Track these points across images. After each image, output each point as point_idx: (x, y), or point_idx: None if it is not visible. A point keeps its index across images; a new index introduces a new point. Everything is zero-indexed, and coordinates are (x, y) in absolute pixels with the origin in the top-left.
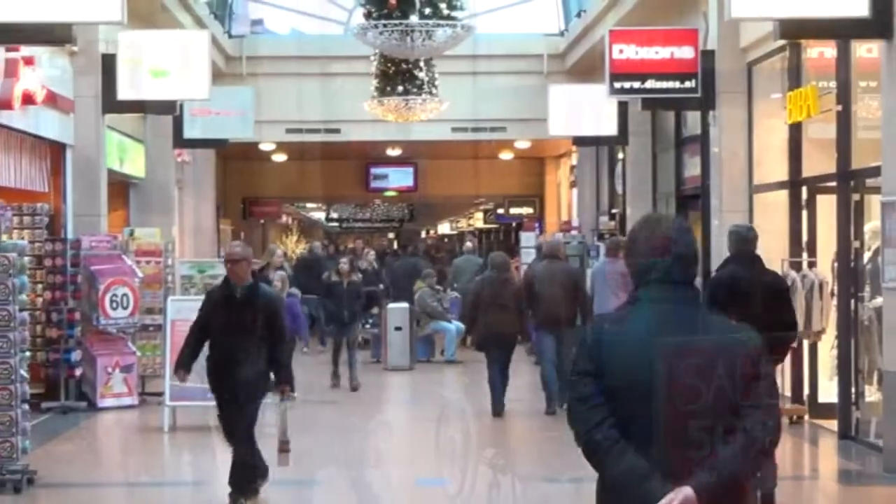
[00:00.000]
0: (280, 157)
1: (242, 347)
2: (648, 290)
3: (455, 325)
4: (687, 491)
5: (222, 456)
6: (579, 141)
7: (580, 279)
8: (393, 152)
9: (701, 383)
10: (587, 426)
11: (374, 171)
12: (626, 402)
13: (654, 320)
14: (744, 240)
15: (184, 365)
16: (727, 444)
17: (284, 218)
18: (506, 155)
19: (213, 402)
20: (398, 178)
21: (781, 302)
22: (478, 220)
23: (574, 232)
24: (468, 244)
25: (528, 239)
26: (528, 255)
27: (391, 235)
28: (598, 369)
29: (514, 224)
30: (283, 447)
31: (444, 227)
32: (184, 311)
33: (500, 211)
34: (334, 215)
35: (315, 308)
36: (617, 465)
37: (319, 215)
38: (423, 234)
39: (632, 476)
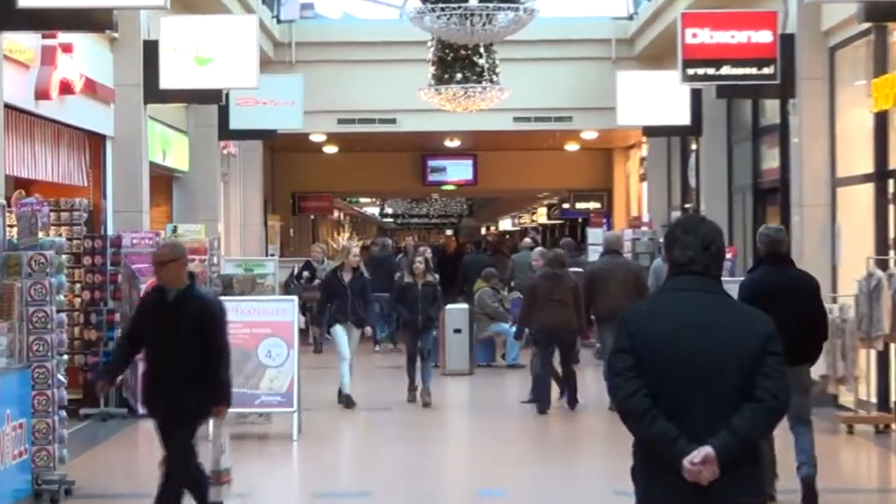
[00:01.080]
0: (331, 149)
1: (174, 359)
2: (680, 279)
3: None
4: (707, 449)
5: (276, 464)
6: (649, 131)
7: (641, 274)
8: (451, 144)
9: (721, 358)
10: (623, 395)
11: (431, 163)
12: (657, 374)
13: (683, 303)
14: (774, 241)
15: (106, 374)
16: (743, 410)
17: (336, 213)
18: (571, 146)
19: (267, 409)
20: (456, 172)
21: (812, 303)
22: (541, 216)
23: (644, 228)
24: (527, 240)
25: (595, 235)
26: (595, 253)
27: (449, 232)
28: (633, 346)
29: (580, 220)
30: (220, 478)
31: (506, 223)
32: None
33: (566, 206)
34: (389, 210)
35: (386, 308)
36: (649, 428)
37: (373, 210)
38: (483, 231)
39: (662, 438)
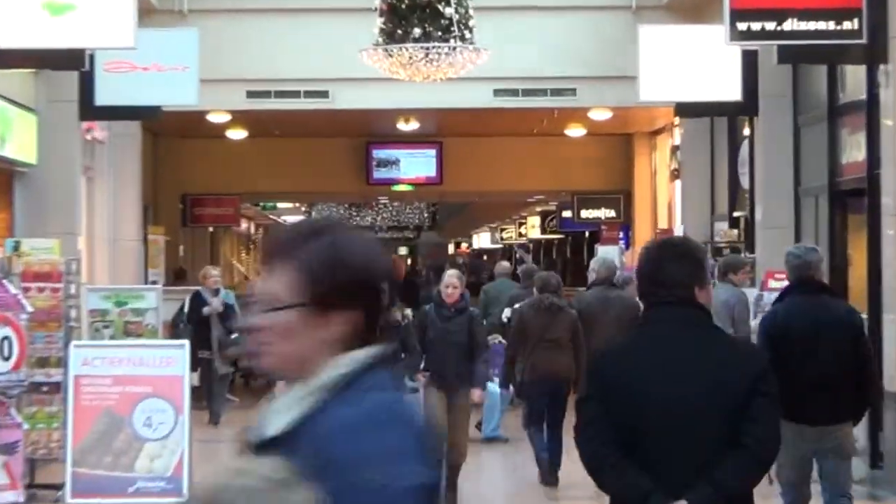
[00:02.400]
0: (238, 135)
1: None
2: (658, 312)
3: (497, 385)
4: None
5: None
6: (685, 110)
7: (636, 309)
8: (406, 127)
9: (702, 401)
10: (590, 446)
11: (379, 154)
12: (631, 422)
13: (661, 341)
14: (805, 264)
15: None
16: (725, 460)
17: (245, 224)
18: (575, 131)
19: (146, 498)
20: (414, 166)
21: (855, 344)
22: (533, 228)
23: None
24: (503, 263)
25: (608, 254)
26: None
27: (402, 251)
28: (602, 393)
29: (586, 234)
30: None
31: (483, 239)
32: (94, 362)
33: (567, 214)
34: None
35: None
36: (619, 481)
37: (297, 220)
38: (452, 249)
39: (633, 492)
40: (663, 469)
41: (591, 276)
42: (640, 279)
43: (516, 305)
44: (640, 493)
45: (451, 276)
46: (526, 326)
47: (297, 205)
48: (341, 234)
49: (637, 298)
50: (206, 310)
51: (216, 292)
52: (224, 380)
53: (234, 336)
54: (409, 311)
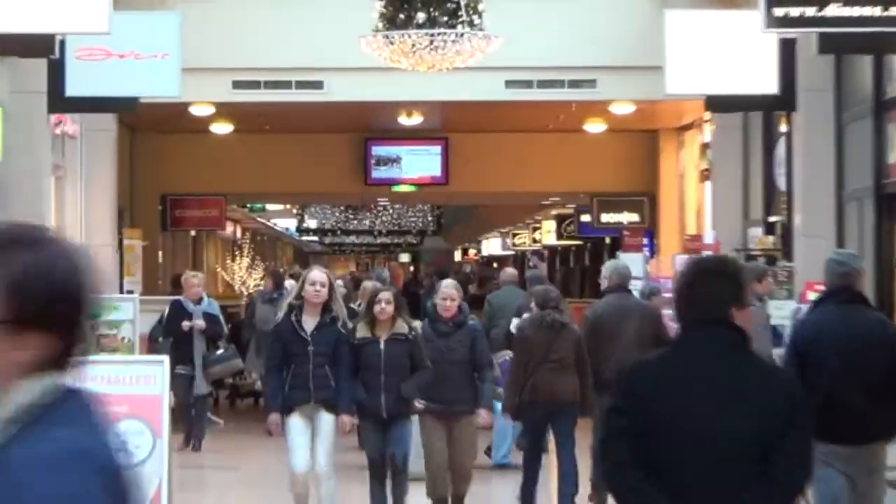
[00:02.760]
0: (223, 129)
1: None
2: (692, 333)
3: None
4: None
5: None
6: (716, 104)
7: (661, 322)
8: (409, 122)
9: (734, 429)
10: (612, 462)
11: (378, 151)
12: (658, 443)
13: (696, 364)
14: (846, 273)
15: None
16: (754, 490)
17: (231, 228)
18: (595, 126)
19: None
20: (417, 165)
21: (891, 356)
22: (548, 234)
23: (707, 253)
24: (508, 269)
25: (630, 263)
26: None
27: (403, 258)
28: (630, 407)
29: (607, 240)
30: None
31: (494, 246)
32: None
33: (586, 218)
34: (311, 224)
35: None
36: (636, 501)
37: (288, 224)
38: (458, 256)
39: None
40: (686, 494)
41: (604, 284)
42: (676, 299)
43: (516, 320)
44: None
45: (447, 286)
46: (528, 345)
47: (288, 207)
48: (48, 246)
49: (658, 308)
50: (185, 324)
51: (199, 301)
52: (205, 400)
53: (219, 352)
54: (417, 324)
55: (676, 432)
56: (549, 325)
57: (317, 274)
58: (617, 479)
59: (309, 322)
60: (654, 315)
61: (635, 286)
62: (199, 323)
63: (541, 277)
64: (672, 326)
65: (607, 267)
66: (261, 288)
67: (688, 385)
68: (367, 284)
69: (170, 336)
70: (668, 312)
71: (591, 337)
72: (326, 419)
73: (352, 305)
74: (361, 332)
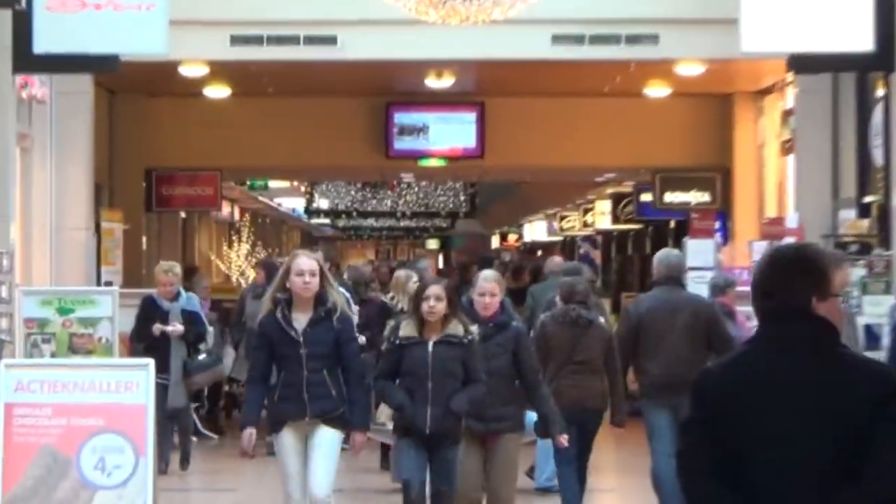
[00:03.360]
0: (219, 92)
1: None
2: (770, 327)
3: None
4: None
5: None
6: (800, 64)
7: (716, 318)
8: (438, 84)
9: (817, 429)
10: (689, 475)
11: (402, 119)
12: (737, 450)
13: (773, 361)
14: None
15: None
16: (842, 494)
17: (227, 209)
18: (656, 90)
19: None
20: (447, 135)
21: None
22: (602, 216)
23: (790, 239)
24: (555, 259)
25: (700, 251)
26: (699, 284)
27: (431, 244)
28: (709, 415)
29: (671, 223)
30: None
31: (538, 230)
32: (31, 387)
33: (647, 198)
34: (323, 204)
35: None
36: None
37: (295, 204)
38: (496, 243)
39: None
40: (771, 502)
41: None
42: (752, 290)
43: (543, 317)
44: None
45: (486, 279)
46: (550, 344)
47: (296, 184)
48: None
49: (717, 304)
50: (156, 329)
51: (176, 297)
52: (184, 413)
53: (201, 357)
54: (475, 328)
55: (755, 436)
56: (572, 321)
57: (304, 262)
58: (694, 493)
59: (300, 318)
60: (708, 311)
61: (704, 278)
62: (175, 329)
63: (578, 268)
64: (747, 324)
65: (657, 257)
66: (255, 281)
67: (767, 385)
68: (401, 274)
69: (142, 341)
70: (742, 309)
71: (631, 335)
72: (325, 436)
73: (383, 299)
74: (407, 330)
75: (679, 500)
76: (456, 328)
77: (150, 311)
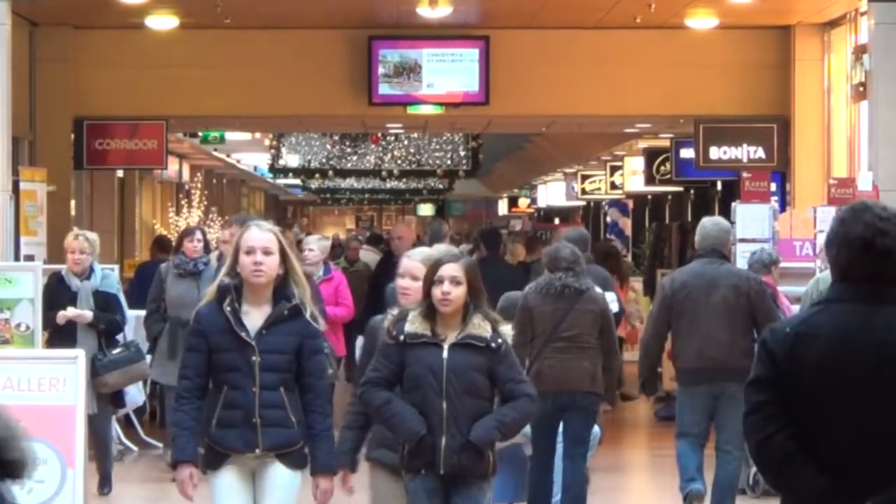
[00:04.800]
0: (164, 23)
1: None
2: (842, 288)
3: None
4: None
5: None
6: None
7: (763, 294)
8: (432, 13)
9: (888, 390)
10: (759, 436)
11: (388, 55)
12: (807, 413)
13: (846, 321)
14: None
15: None
16: None
17: (174, 167)
18: (701, 21)
19: None
20: (444, 76)
21: None
22: (633, 176)
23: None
24: (578, 230)
25: (752, 219)
26: (744, 256)
27: (425, 210)
28: (776, 375)
29: (716, 184)
30: None
31: (555, 192)
32: None
33: (687, 154)
34: (291, 162)
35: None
36: (793, 479)
37: (258, 161)
38: (504, 208)
39: (809, 492)
40: (843, 467)
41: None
42: (826, 249)
43: (527, 287)
44: (817, 494)
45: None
46: (532, 318)
47: (258, 135)
48: None
49: (763, 281)
50: (60, 317)
51: (89, 275)
52: (100, 421)
53: (117, 351)
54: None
55: (822, 393)
56: (557, 292)
57: (256, 234)
58: (763, 454)
59: (252, 314)
60: (753, 287)
61: (748, 251)
62: (82, 314)
63: (582, 235)
64: (790, 308)
65: (701, 223)
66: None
67: (832, 340)
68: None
69: (46, 326)
70: (786, 290)
71: (663, 314)
72: (280, 478)
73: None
74: (414, 325)
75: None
76: (481, 326)
77: (54, 292)
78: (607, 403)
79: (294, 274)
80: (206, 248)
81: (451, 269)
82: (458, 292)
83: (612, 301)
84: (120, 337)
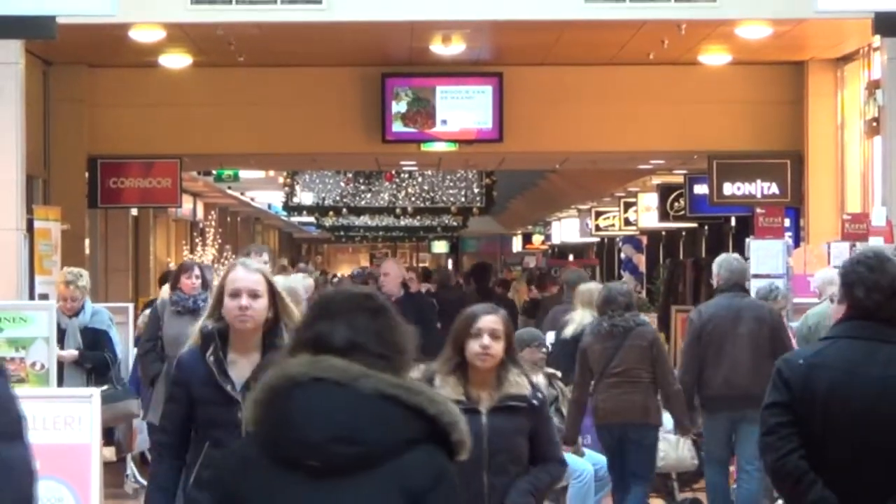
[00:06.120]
0: (178, 61)
1: None
2: (855, 325)
3: (594, 461)
4: None
5: None
6: (889, 25)
7: (781, 326)
8: (446, 50)
9: (890, 417)
10: (776, 455)
11: (402, 93)
12: (818, 435)
13: (855, 354)
14: None
15: None
16: None
17: (188, 206)
18: (715, 57)
19: None
20: (458, 113)
21: None
22: (647, 212)
23: (876, 240)
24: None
25: (766, 254)
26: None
27: (439, 247)
28: (791, 401)
29: (731, 220)
30: None
31: (569, 229)
32: None
33: (701, 190)
34: (305, 199)
35: None
36: (805, 496)
37: (271, 198)
38: (518, 245)
39: None
40: (850, 485)
41: (714, 283)
42: (848, 284)
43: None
44: None
45: (489, 325)
46: (587, 357)
47: (272, 174)
48: None
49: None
50: None
51: (78, 312)
52: None
53: (103, 388)
54: (541, 377)
55: (833, 418)
56: (607, 331)
57: (241, 275)
58: (780, 471)
59: (240, 364)
60: (773, 319)
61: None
62: (64, 354)
63: (580, 278)
64: (792, 341)
65: (717, 263)
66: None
67: (843, 371)
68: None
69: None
70: (791, 325)
71: (695, 345)
72: None
73: None
74: (446, 390)
75: None
76: (518, 383)
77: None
78: (682, 430)
79: (286, 318)
80: (205, 285)
81: (490, 322)
82: (499, 347)
83: None
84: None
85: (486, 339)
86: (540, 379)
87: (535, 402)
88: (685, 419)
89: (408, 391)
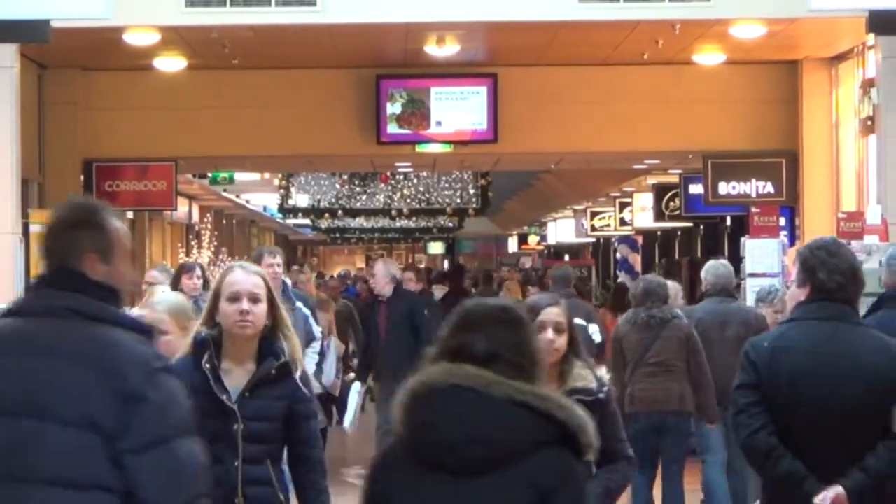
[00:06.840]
0: (173, 64)
1: None
2: (818, 307)
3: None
4: (838, 489)
5: None
6: (883, 23)
7: (764, 328)
8: (440, 52)
9: (857, 393)
10: (747, 432)
11: (397, 95)
12: (785, 411)
13: (817, 335)
14: None
15: None
16: (878, 449)
17: (184, 208)
18: (708, 56)
19: None
20: (452, 114)
21: None
22: (642, 212)
23: (871, 238)
24: (560, 269)
25: (762, 253)
26: (753, 291)
27: (435, 248)
28: (758, 381)
29: (726, 220)
30: None
31: (564, 229)
32: None
33: (696, 190)
34: (301, 201)
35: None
36: (775, 468)
37: (266, 201)
38: (514, 246)
39: (789, 478)
40: (816, 457)
41: (703, 288)
42: (808, 268)
43: (621, 319)
44: (796, 478)
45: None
46: (623, 347)
47: (268, 176)
48: None
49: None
50: None
51: None
52: None
53: None
54: (604, 370)
55: (797, 394)
56: (644, 322)
57: (241, 278)
58: (751, 447)
59: (235, 373)
60: (760, 323)
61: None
62: None
63: (566, 274)
64: None
65: (705, 267)
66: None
67: (806, 351)
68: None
69: None
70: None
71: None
72: None
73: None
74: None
75: None
76: (583, 376)
77: None
78: (709, 419)
79: (283, 326)
80: (206, 285)
81: (553, 315)
82: (563, 341)
83: (594, 332)
84: None
85: (550, 334)
86: (603, 370)
87: (601, 395)
88: (713, 410)
89: (537, 397)
